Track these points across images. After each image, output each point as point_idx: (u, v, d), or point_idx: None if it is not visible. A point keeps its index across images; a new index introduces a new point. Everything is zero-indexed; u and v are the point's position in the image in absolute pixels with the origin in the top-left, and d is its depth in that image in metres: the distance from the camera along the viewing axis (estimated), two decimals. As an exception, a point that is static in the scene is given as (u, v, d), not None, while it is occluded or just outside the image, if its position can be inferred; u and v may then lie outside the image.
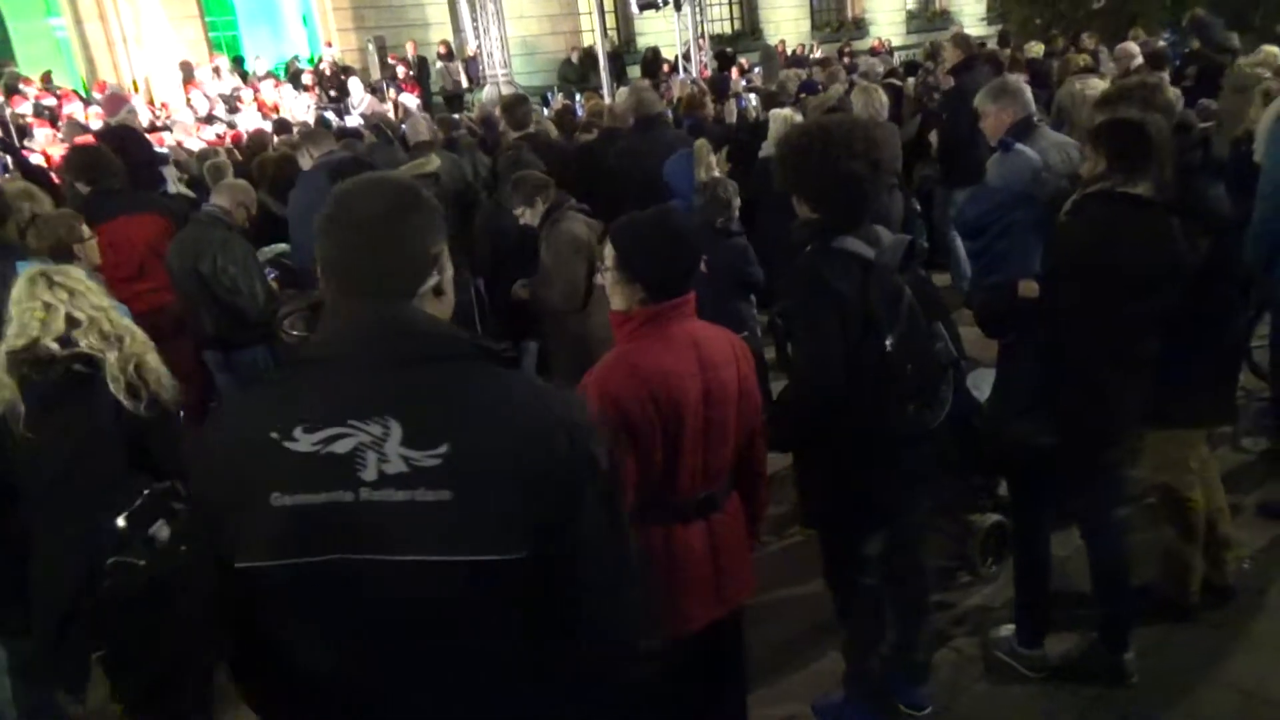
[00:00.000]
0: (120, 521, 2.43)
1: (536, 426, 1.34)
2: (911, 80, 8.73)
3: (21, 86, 12.95)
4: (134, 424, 2.51)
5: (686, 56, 14.04)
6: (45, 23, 16.14)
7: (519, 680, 1.41)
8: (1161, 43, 11.48)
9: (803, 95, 7.84)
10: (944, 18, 24.12)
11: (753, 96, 8.71)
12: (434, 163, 5.43)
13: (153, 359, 2.59)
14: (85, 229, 3.80)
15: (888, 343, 2.36)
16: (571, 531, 1.35)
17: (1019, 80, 4.40)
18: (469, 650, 1.36)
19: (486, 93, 12.98)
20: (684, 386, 2.11)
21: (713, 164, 4.87)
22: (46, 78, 13.40)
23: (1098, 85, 7.40)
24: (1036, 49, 10.58)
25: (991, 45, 11.71)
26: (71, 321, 2.49)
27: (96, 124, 10.15)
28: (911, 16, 24.74)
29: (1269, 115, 3.93)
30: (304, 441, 1.31)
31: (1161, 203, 2.70)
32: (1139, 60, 7.93)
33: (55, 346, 2.46)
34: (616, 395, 2.07)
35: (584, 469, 1.37)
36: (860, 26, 23.38)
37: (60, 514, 2.48)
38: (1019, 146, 3.58)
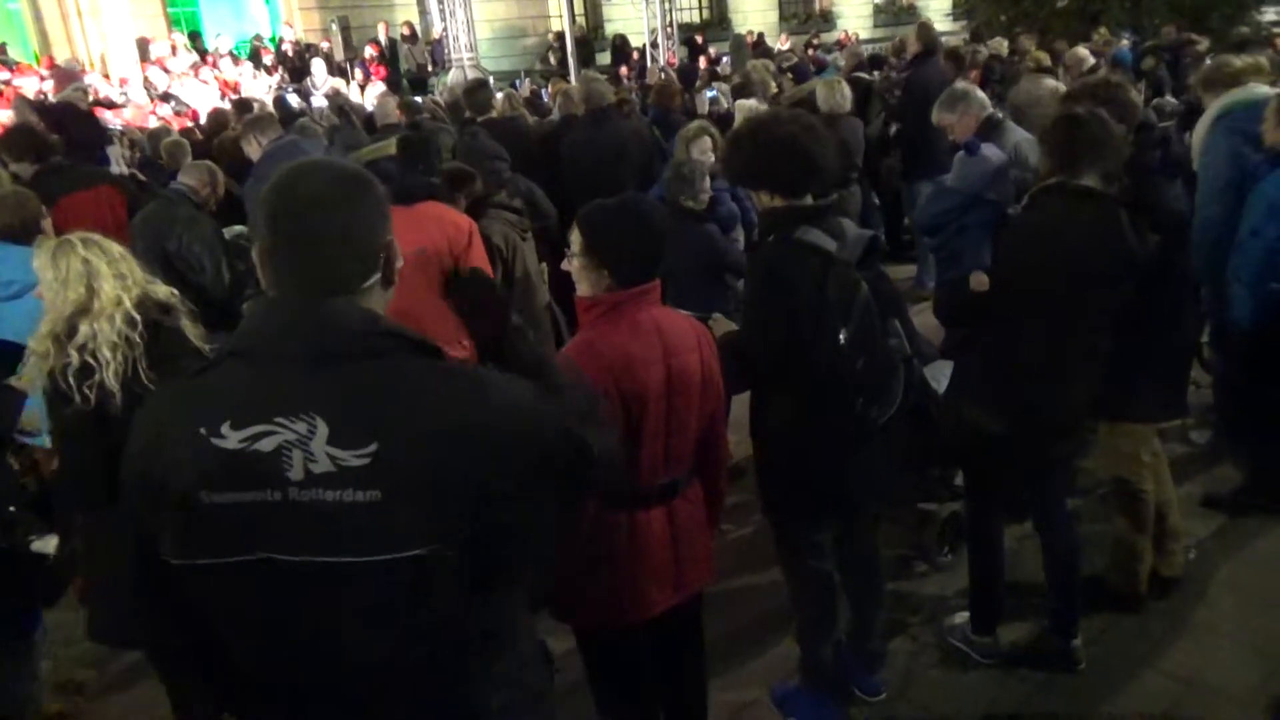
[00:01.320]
0: None
1: (467, 421, 1.30)
2: (878, 74, 8.78)
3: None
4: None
5: (655, 45, 14.01)
6: (-5, -6, 15.69)
7: (452, 671, 1.40)
8: (1124, 42, 11.69)
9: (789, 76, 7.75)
10: (911, 12, 24.26)
11: (724, 85, 8.71)
12: (394, 146, 5.36)
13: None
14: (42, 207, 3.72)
15: (841, 337, 2.38)
16: (508, 521, 1.34)
17: (966, 85, 4.50)
18: (400, 646, 1.34)
19: (452, 76, 12.83)
20: (647, 373, 2.12)
21: (706, 146, 4.78)
22: (1, 49, 13.02)
23: (1049, 85, 7.57)
24: (1001, 46, 10.70)
25: (958, 42, 11.83)
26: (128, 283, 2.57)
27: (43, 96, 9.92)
28: (879, 10, 24.87)
29: (1202, 124, 4.00)
30: (231, 438, 1.27)
31: (1110, 195, 2.75)
32: (1090, 63, 8.05)
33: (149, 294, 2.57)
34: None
35: (528, 455, 1.35)
36: (828, 19, 23.48)
37: None
38: (984, 150, 3.63)
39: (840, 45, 15.47)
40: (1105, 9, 16.63)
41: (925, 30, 7.11)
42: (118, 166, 5.44)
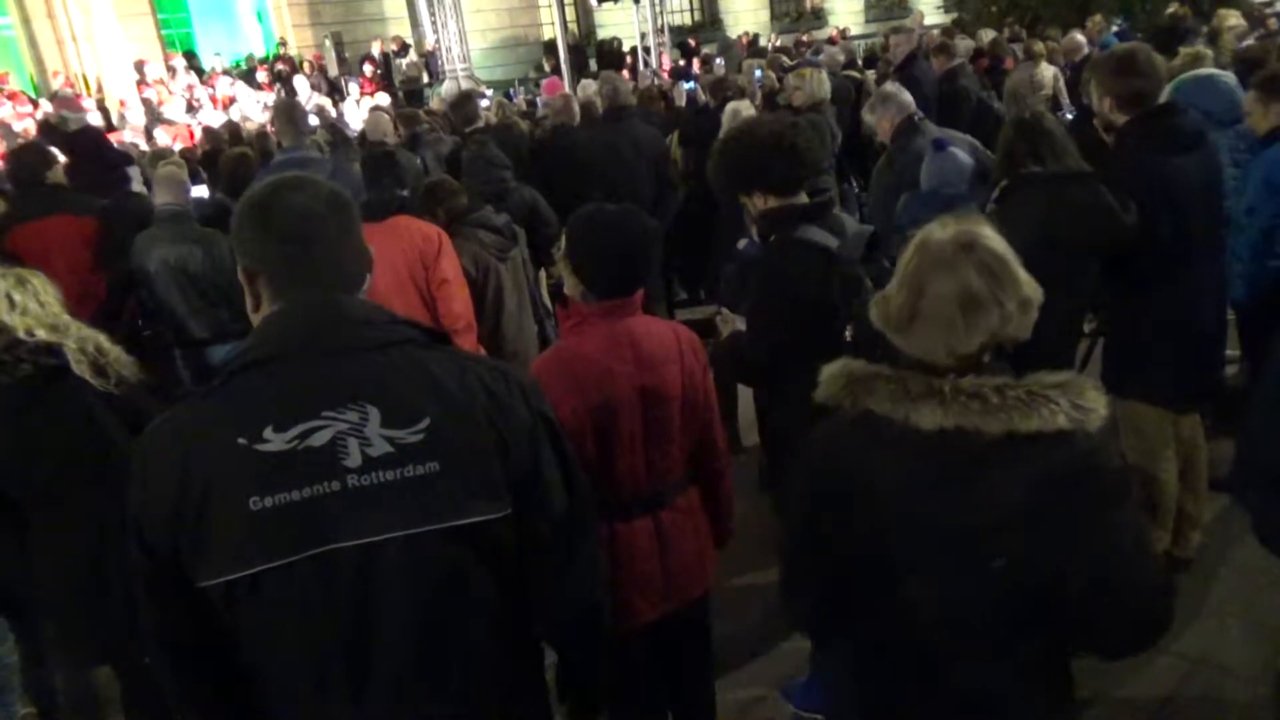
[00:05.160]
0: None
1: (499, 391, 1.42)
2: (871, 73, 8.79)
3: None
4: (120, 401, 2.49)
5: (647, 49, 14.06)
6: (-10, 21, 15.80)
7: (502, 643, 1.47)
8: (1114, 28, 11.70)
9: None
10: (903, 7, 24.31)
11: (709, 78, 8.72)
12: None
13: (104, 339, 2.56)
14: None
15: (846, 334, 2.40)
16: (539, 484, 1.46)
17: (893, 87, 4.64)
18: (457, 616, 1.41)
19: (446, 87, 12.88)
20: (616, 385, 2.10)
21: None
22: (2, 80, 13.11)
23: (1046, 72, 7.64)
24: (987, 36, 10.71)
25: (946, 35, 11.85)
26: (21, 318, 2.45)
27: (19, 125, 9.97)
28: (870, 5, 24.90)
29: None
30: (277, 441, 1.31)
31: (1089, 172, 2.82)
32: (1086, 51, 8.08)
33: (18, 339, 2.41)
34: (548, 389, 2.06)
35: (540, 426, 1.47)
36: (819, 16, 23.52)
37: (64, 504, 2.46)
38: (952, 149, 3.65)
39: (832, 42, 15.46)
40: (1096, -3, 16.64)
41: (907, 34, 7.17)
42: (138, 185, 5.52)
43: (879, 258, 2.63)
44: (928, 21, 16.64)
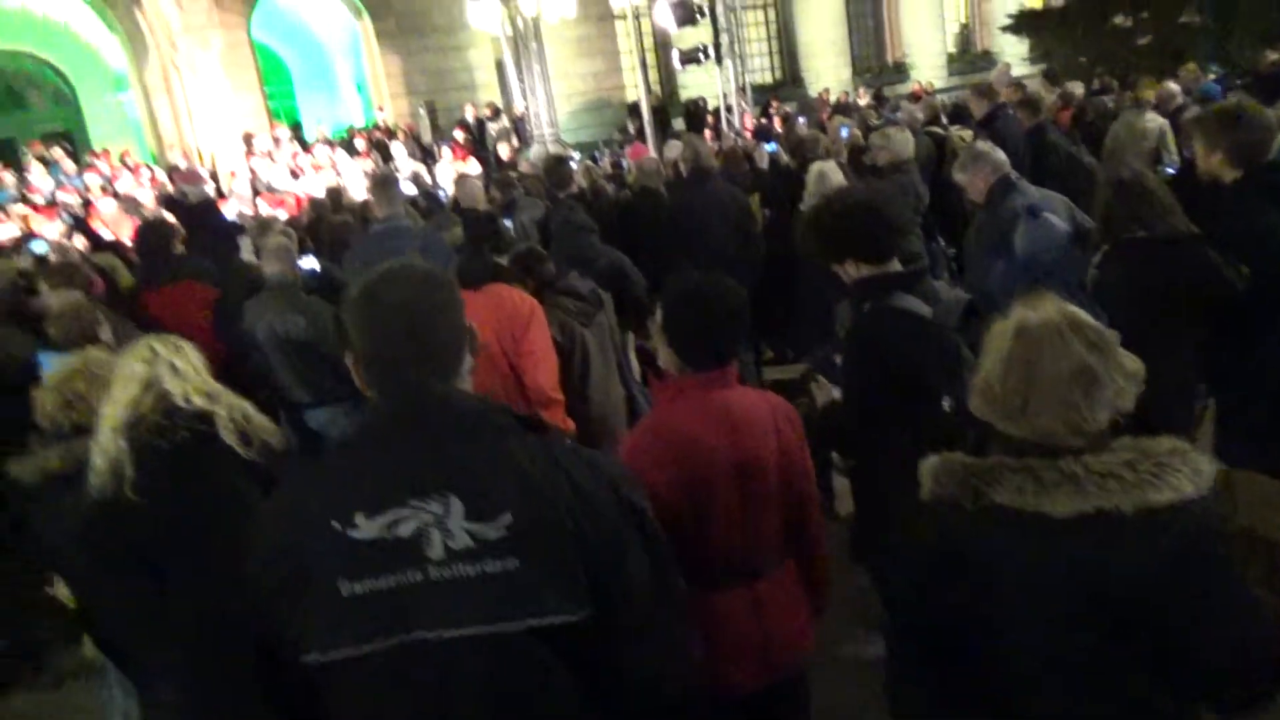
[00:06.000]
0: None
1: (586, 486, 1.40)
2: (955, 129, 8.69)
3: (93, 160, 13.65)
4: (260, 469, 2.54)
5: (729, 109, 14.26)
6: (116, 98, 17.00)
7: None
8: (1211, 76, 11.39)
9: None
10: (986, 59, 24.14)
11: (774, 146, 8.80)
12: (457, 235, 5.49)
13: (250, 408, 2.64)
14: (101, 316, 3.84)
15: (945, 404, 2.36)
16: (623, 580, 1.41)
17: (985, 145, 4.54)
18: (537, 711, 1.39)
19: (534, 151, 13.28)
20: (712, 458, 2.11)
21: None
22: (125, 155, 14.06)
23: (1156, 120, 7.30)
24: (1078, 89, 10.53)
25: (1036, 85, 11.71)
26: (181, 384, 2.54)
27: (147, 196, 10.65)
28: (953, 59, 24.78)
29: None
30: (366, 527, 1.34)
31: (1195, 235, 2.74)
32: (1181, 101, 7.83)
33: (177, 406, 2.49)
34: (642, 462, 2.09)
35: (629, 519, 1.44)
36: (901, 70, 23.49)
37: (199, 570, 2.47)
38: (1046, 215, 3.57)
39: (915, 98, 15.42)
40: (1190, 44, 16.27)
41: (985, 90, 7.01)
42: (247, 254, 5.89)
43: (976, 325, 2.59)
44: (1014, 73, 16.48)
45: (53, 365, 3.24)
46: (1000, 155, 4.28)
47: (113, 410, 2.48)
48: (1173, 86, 8.40)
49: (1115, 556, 1.39)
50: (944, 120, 9.14)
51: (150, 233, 5.35)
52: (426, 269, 1.54)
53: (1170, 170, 6.02)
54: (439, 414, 1.42)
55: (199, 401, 2.52)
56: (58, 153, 13.85)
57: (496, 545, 1.34)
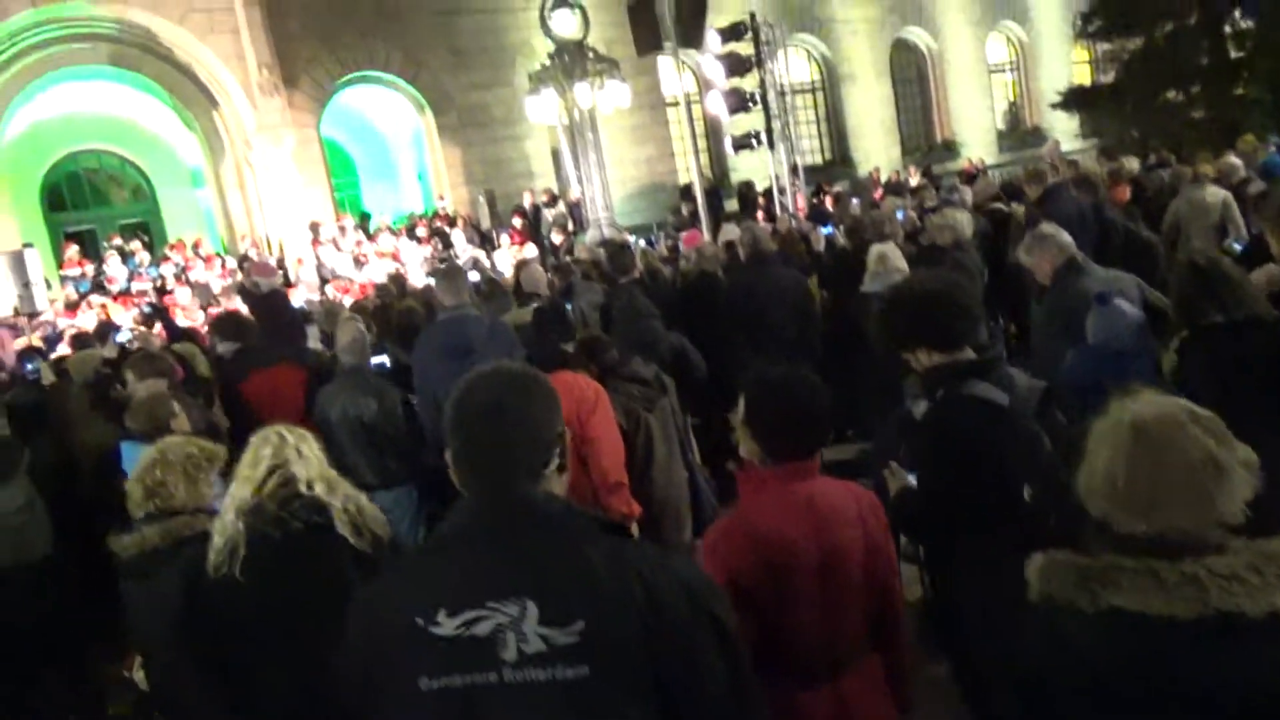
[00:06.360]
0: None
1: (660, 596, 1.40)
2: (1018, 206, 8.67)
3: (169, 252, 14.30)
4: (369, 561, 2.56)
5: (781, 190, 14.44)
6: (192, 193, 17.85)
7: None
8: (1273, 148, 11.23)
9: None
10: (1036, 135, 24.19)
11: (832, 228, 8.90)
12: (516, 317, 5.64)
13: (364, 499, 2.68)
14: (175, 405, 3.95)
15: (1025, 493, 2.33)
16: (694, 689, 1.41)
17: (1050, 227, 4.50)
18: None
19: (590, 235, 13.56)
20: (796, 550, 2.10)
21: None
22: (197, 244, 14.74)
23: (1218, 194, 7.11)
24: (1133, 164, 10.46)
25: (1089, 161, 11.70)
26: (305, 469, 2.59)
27: (218, 284, 11.10)
28: (1002, 136, 24.88)
29: None
30: (447, 625, 1.38)
31: (1273, 318, 2.70)
32: (1243, 174, 7.69)
33: (298, 492, 2.54)
34: (725, 556, 2.10)
35: (706, 629, 1.43)
36: (950, 148, 23.62)
37: (303, 658, 2.46)
38: (1116, 302, 3.53)
39: (967, 176, 15.47)
40: (1245, 115, 16.14)
41: (1038, 174, 6.88)
42: (314, 341, 6.10)
43: (1052, 412, 2.56)
44: (1064, 148, 16.47)
45: (134, 455, 3.36)
46: (1065, 237, 4.27)
47: (239, 490, 2.55)
48: (1234, 160, 8.27)
49: (1241, 659, 1.35)
50: (1004, 196, 9.09)
51: (235, 323, 5.62)
52: (521, 370, 1.61)
53: (1238, 246, 5.92)
54: (521, 517, 1.45)
55: (320, 489, 2.58)
56: (135, 245, 14.57)
57: (568, 651, 1.36)
